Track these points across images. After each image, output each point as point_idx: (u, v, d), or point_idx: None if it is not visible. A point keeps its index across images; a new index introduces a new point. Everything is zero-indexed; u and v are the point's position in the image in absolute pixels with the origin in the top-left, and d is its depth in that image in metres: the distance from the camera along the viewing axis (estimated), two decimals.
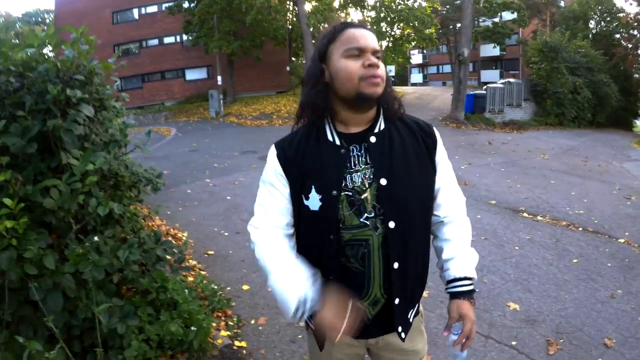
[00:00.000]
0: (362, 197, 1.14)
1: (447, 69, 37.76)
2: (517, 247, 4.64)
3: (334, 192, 1.13)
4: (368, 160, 1.16)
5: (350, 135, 1.18)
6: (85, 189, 1.68)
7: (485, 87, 18.34)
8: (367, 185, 1.14)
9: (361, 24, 1.18)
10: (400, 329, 1.20)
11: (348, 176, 1.14)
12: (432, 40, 24.01)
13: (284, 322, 3.16)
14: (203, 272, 3.86)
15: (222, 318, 3.06)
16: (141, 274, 2.56)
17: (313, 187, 1.15)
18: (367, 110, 1.18)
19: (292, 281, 1.12)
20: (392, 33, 24.91)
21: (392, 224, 1.13)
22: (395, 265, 1.14)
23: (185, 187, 7.06)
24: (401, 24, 23.87)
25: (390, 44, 25.33)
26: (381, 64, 1.13)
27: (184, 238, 4.61)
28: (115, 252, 1.96)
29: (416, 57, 43.94)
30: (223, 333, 2.86)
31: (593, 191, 7.33)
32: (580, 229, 5.34)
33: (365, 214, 1.13)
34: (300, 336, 3.00)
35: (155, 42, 26.49)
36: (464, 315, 1.21)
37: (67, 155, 1.75)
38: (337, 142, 1.18)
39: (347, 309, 1.06)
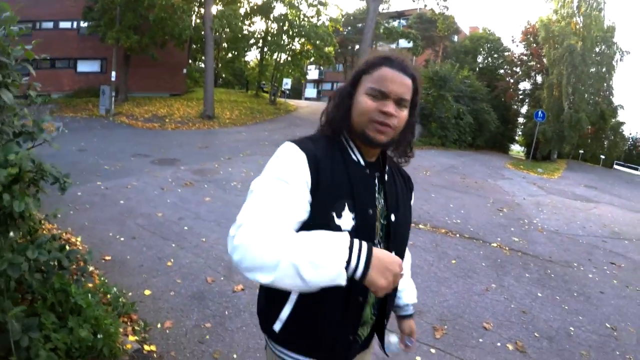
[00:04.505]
0: (376, 224, 1.16)
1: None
2: None
3: (370, 210, 1.12)
4: (379, 192, 1.19)
5: (367, 162, 1.19)
6: (6, 181, 1.55)
7: None
8: (379, 215, 1.17)
9: (402, 65, 1.14)
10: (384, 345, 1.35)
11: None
12: (329, 58, 25.12)
13: (190, 324, 3.19)
14: (102, 278, 3.63)
15: (128, 323, 2.94)
16: (42, 280, 2.37)
17: (346, 204, 1.08)
18: (372, 148, 1.18)
19: (329, 238, 0.90)
20: (292, 47, 25.57)
21: None
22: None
23: (75, 189, 6.48)
24: (302, 39, 24.63)
25: (289, 58, 25.94)
26: (402, 114, 1.12)
27: (78, 243, 4.29)
28: (23, 252, 1.81)
29: (312, 73, 45.40)
30: (131, 338, 2.76)
31: (469, 204, 8.33)
32: (458, 235, 6.08)
33: (373, 242, 1.14)
34: (207, 337, 3.02)
35: (50, 25, 23.32)
36: (413, 331, 1.52)
37: None
38: (362, 162, 1.17)
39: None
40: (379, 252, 0.90)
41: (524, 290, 4.43)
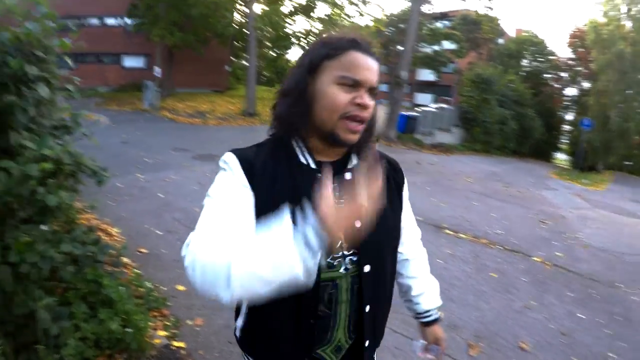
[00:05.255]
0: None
1: (383, 87, 39.23)
2: (439, 260, 4.97)
3: None
4: (341, 197, 0.95)
5: (322, 163, 1.04)
6: (39, 175, 1.57)
7: (418, 109, 19.37)
8: None
9: (369, 48, 1.01)
10: None
11: None
12: None
13: (222, 323, 3.17)
14: (137, 271, 3.70)
15: (159, 318, 2.97)
16: (75, 271, 2.42)
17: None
18: (337, 148, 1.06)
19: (276, 228, 0.81)
20: None
21: (367, 268, 1.05)
22: (367, 308, 1.08)
23: (116, 180, 6.67)
24: None
25: None
26: (373, 104, 1.01)
27: (115, 234, 4.40)
28: (58, 244, 1.84)
29: None
30: (160, 333, 2.78)
31: (512, 214, 8.00)
32: (499, 247, 5.83)
33: (333, 254, 1.01)
34: None
35: (95, 21, 24.59)
36: (439, 338, 1.33)
37: (17, 136, 1.63)
38: (312, 165, 1.03)
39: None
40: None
41: (565, 310, 4.19)
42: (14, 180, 1.52)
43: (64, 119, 2.21)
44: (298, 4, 24.75)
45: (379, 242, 1.08)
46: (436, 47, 25.85)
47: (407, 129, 17.75)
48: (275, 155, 1.03)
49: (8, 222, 1.66)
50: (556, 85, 27.48)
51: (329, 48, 0.99)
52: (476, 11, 22.98)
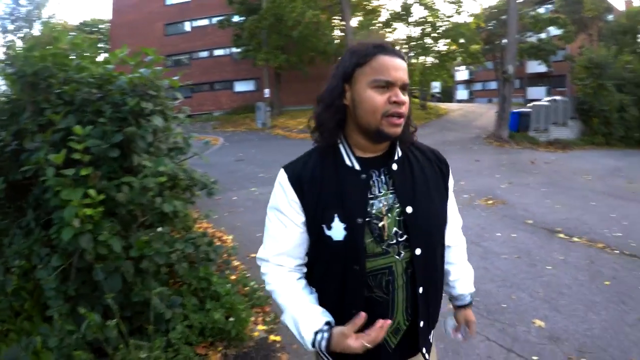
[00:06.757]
0: (380, 224, 1.11)
1: (493, 85, 36.70)
2: (549, 267, 4.61)
3: (359, 220, 1.09)
4: (389, 187, 1.14)
5: (368, 160, 1.15)
6: (156, 188, 1.97)
7: (530, 104, 17.93)
8: (384, 212, 1.12)
9: (395, 50, 1.10)
10: (424, 350, 1.22)
11: (370, 202, 1.12)
12: (477, 57, 23.71)
13: None
14: (244, 272, 4.12)
15: (260, 314, 3.30)
16: (189, 269, 2.85)
17: (336, 215, 1.09)
18: (383, 143, 1.16)
19: (308, 317, 1.11)
20: (437, 49, 24.82)
21: (418, 251, 1.12)
22: (420, 289, 1.14)
23: (232, 194, 7.43)
24: (446, 40, 23.80)
25: (435, 60, 25.23)
26: (407, 99, 1.10)
27: (229, 241, 4.94)
28: (172, 244, 2.25)
29: (462, 74, 43.51)
30: (260, 327, 3.10)
31: (635, 214, 7.02)
32: (617, 251, 5.20)
33: (387, 241, 1.11)
34: None
35: (205, 54, 27.91)
36: (469, 320, 1.42)
37: (138, 158, 2.06)
38: (357, 166, 1.14)
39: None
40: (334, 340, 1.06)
41: None
42: (135, 192, 1.94)
43: (178, 142, 2.66)
44: (393, 11, 24.78)
45: (428, 226, 1.16)
46: (542, 35, 23.72)
47: (519, 127, 16.52)
48: (324, 161, 1.16)
49: (132, 227, 2.11)
50: None
51: (359, 56, 1.10)
52: None
